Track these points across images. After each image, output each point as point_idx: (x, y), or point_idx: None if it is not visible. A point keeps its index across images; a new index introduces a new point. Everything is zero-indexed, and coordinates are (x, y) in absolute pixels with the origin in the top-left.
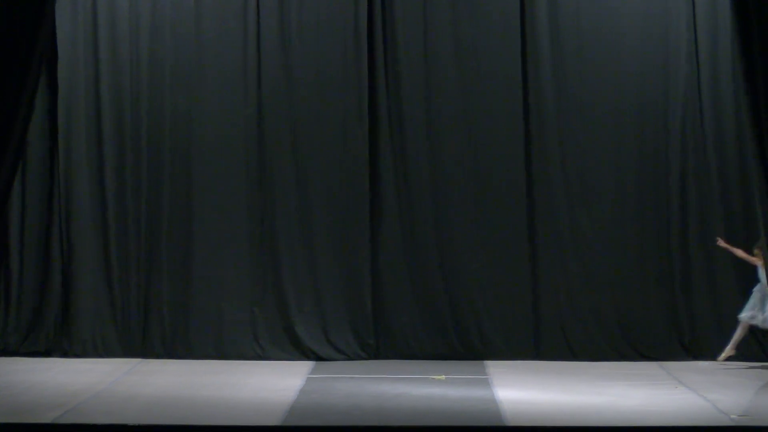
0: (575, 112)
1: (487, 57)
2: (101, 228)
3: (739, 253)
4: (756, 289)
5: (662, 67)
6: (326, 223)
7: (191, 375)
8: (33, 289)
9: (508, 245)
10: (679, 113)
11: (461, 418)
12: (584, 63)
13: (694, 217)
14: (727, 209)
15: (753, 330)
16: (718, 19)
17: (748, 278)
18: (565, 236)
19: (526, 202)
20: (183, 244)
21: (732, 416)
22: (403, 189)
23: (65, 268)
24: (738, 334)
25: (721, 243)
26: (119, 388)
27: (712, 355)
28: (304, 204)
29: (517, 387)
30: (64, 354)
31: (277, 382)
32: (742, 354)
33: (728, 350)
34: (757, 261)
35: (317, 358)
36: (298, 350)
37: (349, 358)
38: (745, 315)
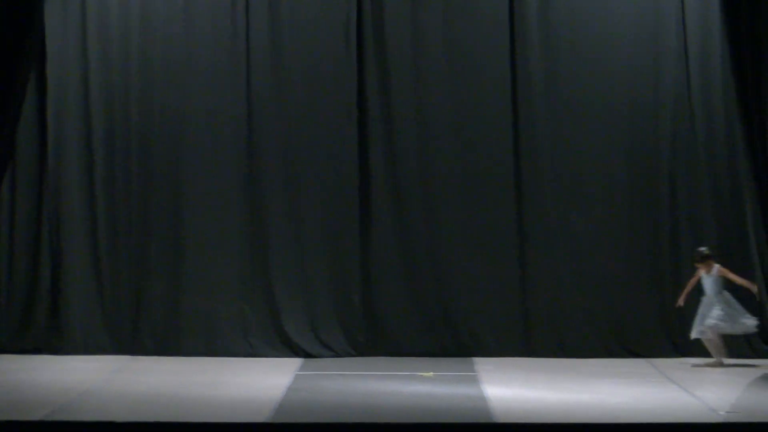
0: (565, 111)
1: (477, 55)
2: (91, 226)
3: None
4: (704, 303)
5: (652, 66)
6: (316, 220)
7: (181, 372)
8: (23, 287)
9: (498, 243)
10: (669, 112)
11: (450, 416)
12: (574, 62)
13: (684, 215)
14: (716, 207)
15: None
16: (709, 18)
17: (737, 273)
18: (555, 234)
19: (516, 200)
20: (173, 242)
21: (721, 413)
22: (393, 187)
23: (55, 266)
24: (715, 342)
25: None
26: (109, 385)
27: (701, 353)
28: (293, 202)
29: (505, 384)
30: (55, 352)
31: (266, 380)
32: (731, 351)
33: (716, 360)
34: (701, 272)
35: (306, 355)
36: (288, 347)
37: (338, 355)
38: (706, 327)
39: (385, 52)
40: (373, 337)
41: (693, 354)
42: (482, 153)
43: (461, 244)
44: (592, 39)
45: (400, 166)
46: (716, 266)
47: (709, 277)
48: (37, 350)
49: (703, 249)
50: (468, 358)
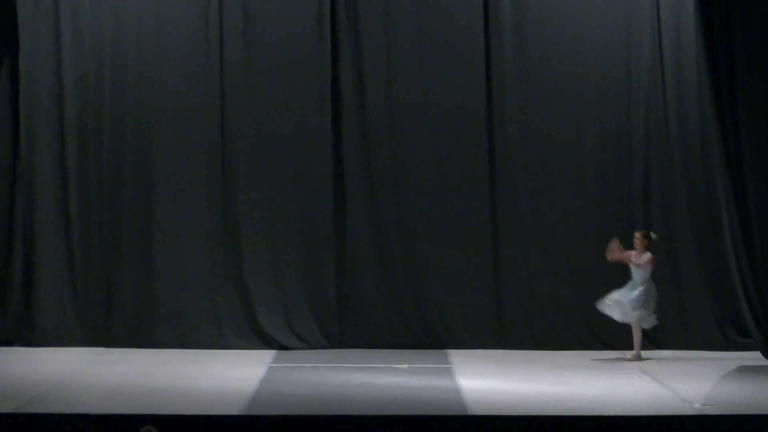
0: (537, 100)
1: (451, 47)
2: (63, 217)
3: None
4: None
5: (626, 56)
6: (289, 212)
7: (153, 364)
8: None
9: (470, 234)
10: (642, 101)
11: (423, 408)
12: (546, 52)
13: (657, 206)
14: (690, 198)
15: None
16: (681, 6)
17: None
18: (527, 225)
19: (488, 191)
20: (145, 233)
21: (695, 405)
22: (366, 178)
23: (27, 258)
24: (636, 335)
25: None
26: (81, 377)
27: (675, 345)
28: (266, 193)
29: (479, 376)
30: (26, 343)
31: (239, 372)
32: (705, 343)
33: (633, 356)
34: (633, 257)
35: (280, 347)
36: (261, 339)
37: (312, 347)
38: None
39: (359, 44)
40: (347, 329)
41: (666, 346)
42: (455, 145)
43: (434, 235)
44: (564, 29)
45: (373, 157)
46: (648, 254)
47: (639, 262)
48: (8, 342)
49: (652, 233)
50: (442, 350)
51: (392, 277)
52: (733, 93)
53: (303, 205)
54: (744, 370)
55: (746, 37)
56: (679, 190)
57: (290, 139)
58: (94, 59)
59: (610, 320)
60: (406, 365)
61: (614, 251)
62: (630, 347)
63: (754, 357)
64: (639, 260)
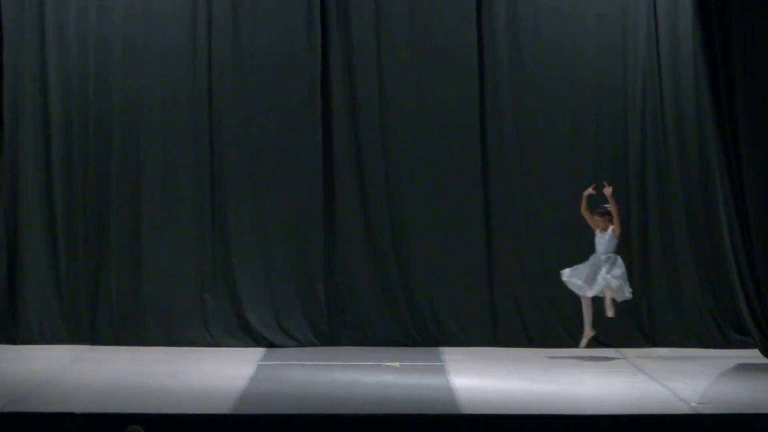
0: (532, 95)
1: (443, 40)
2: (48, 213)
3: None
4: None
5: (621, 50)
6: (278, 208)
7: (140, 362)
8: None
9: (463, 231)
10: (638, 97)
11: (416, 406)
12: (541, 46)
13: (654, 201)
14: (687, 195)
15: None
16: (678, 1)
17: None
18: (522, 222)
19: (482, 187)
20: (131, 229)
21: (691, 404)
22: (357, 174)
23: (11, 254)
24: (587, 312)
25: (607, 191)
26: (67, 375)
27: (671, 342)
28: (255, 189)
29: (472, 374)
30: (11, 341)
31: (228, 370)
32: (702, 341)
33: (587, 332)
34: (597, 225)
35: (269, 344)
36: (250, 337)
37: (302, 345)
38: (570, 280)
39: (349, 39)
40: (338, 327)
41: (663, 343)
42: (448, 141)
43: (427, 232)
44: (559, 24)
45: (364, 153)
46: (612, 227)
47: (603, 235)
48: None
49: (606, 206)
50: (434, 348)
51: (384, 274)
52: (730, 89)
53: (293, 201)
54: (742, 369)
55: (744, 31)
56: (675, 187)
57: (280, 134)
58: (80, 53)
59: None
60: (397, 363)
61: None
62: (625, 344)
63: (752, 355)
64: (607, 233)
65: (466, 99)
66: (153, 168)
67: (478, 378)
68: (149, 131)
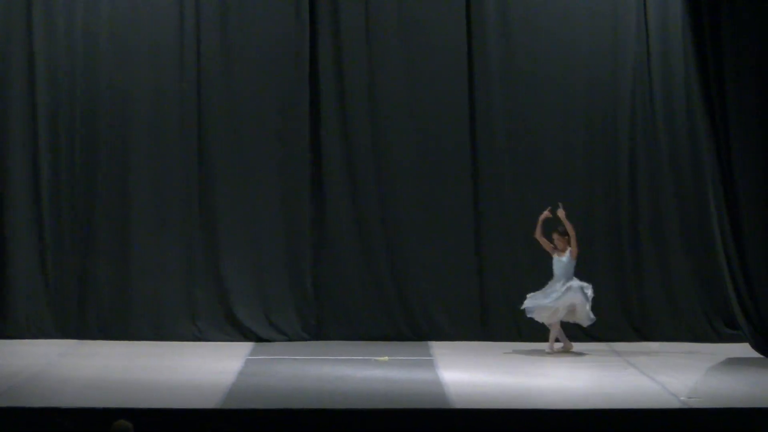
0: (522, 88)
1: (432, 31)
2: (35, 206)
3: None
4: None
5: (612, 41)
6: (267, 201)
7: (128, 357)
8: None
9: (454, 224)
10: (628, 90)
11: (405, 401)
12: (531, 38)
13: (644, 195)
14: (677, 187)
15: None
16: None
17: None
18: (512, 216)
19: (472, 181)
20: (119, 223)
21: (681, 398)
22: (346, 167)
23: None
24: (553, 331)
25: (561, 213)
26: (54, 370)
27: (662, 337)
28: (244, 181)
29: (462, 369)
30: None
31: (216, 364)
32: (693, 335)
33: (565, 346)
34: (556, 245)
35: (257, 339)
36: (238, 331)
37: (291, 339)
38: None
39: (338, 29)
40: (327, 321)
41: (654, 338)
42: (438, 134)
43: (416, 225)
44: (549, 14)
45: (353, 146)
46: (569, 249)
47: (561, 258)
48: None
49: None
50: (424, 342)
51: (373, 268)
52: (721, 83)
53: (282, 194)
54: (732, 363)
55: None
56: (666, 180)
57: (269, 128)
58: (67, 45)
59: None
60: (387, 358)
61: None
62: (616, 338)
63: (742, 349)
64: (565, 255)
65: (455, 93)
66: (141, 161)
67: (467, 372)
68: (137, 124)
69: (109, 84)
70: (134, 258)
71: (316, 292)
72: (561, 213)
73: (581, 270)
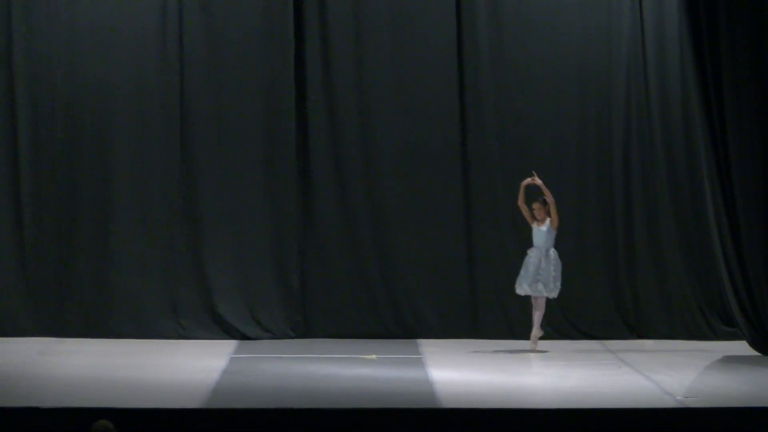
0: (513, 78)
1: (422, 20)
2: (13, 200)
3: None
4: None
5: (605, 28)
6: (252, 195)
7: (109, 355)
8: None
9: (443, 219)
10: (622, 77)
11: (393, 400)
12: (522, 26)
13: (638, 186)
14: (672, 179)
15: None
16: None
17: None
18: (503, 209)
19: (462, 173)
20: (100, 216)
21: (677, 397)
22: (334, 160)
23: None
24: (540, 311)
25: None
26: (33, 368)
27: (657, 334)
28: (228, 175)
29: (452, 367)
30: None
31: (200, 363)
32: (688, 333)
33: (535, 332)
34: (536, 215)
35: (242, 336)
36: (222, 329)
37: (276, 337)
38: (518, 288)
39: (326, 18)
40: (313, 318)
41: (649, 335)
42: (427, 125)
43: (405, 220)
44: (541, 3)
45: (340, 139)
46: (549, 219)
47: (541, 227)
48: None
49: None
50: (412, 340)
51: (360, 264)
52: (716, 63)
53: (267, 188)
54: (729, 361)
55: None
56: (661, 170)
57: (254, 120)
58: (46, 33)
59: (588, 309)
60: (374, 356)
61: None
62: (610, 335)
63: (740, 347)
64: (545, 225)
65: (445, 82)
66: (122, 153)
67: (457, 371)
68: (119, 116)
69: (90, 75)
70: (115, 253)
71: (303, 289)
72: (537, 181)
73: (573, 263)
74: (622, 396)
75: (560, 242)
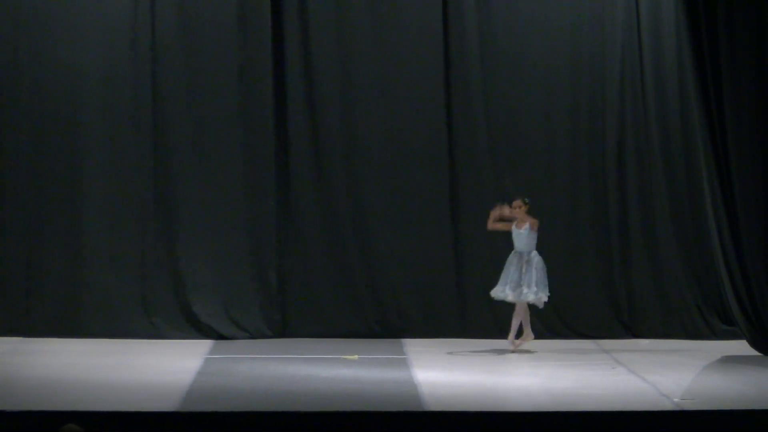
0: (502, 68)
1: (406, 9)
2: None
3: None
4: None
5: (598, 15)
6: (228, 189)
7: (79, 355)
8: None
9: (429, 214)
10: (617, 67)
11: (376, 403)
12: (512, 13)
13: (633, 182)
14: (668, 173)
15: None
16: None
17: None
18: (492, 204)
19: (449, 167)
20: (69, 211)
21: (674, 399)
22: (314, 153)
23: None
24: (519, 317)
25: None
26: None
27: (653, 333)
28: (203, 168)
29: (438, 368)
30: None
31: (173, 364)
32: (686, 332)
33: (525, 336)
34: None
35: (217, 336)
36: (196, 328)
37: (253, 337)
38: (495, 292)
39: (305, 2)
40: (292, 317)
41: (644, 334)
42: (411, 116)
43: (389, 215)
44: None
45: (321, 131)
46: (530, 221)
47: (520, 230)
48: None
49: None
50: (397, 340)
51: (342, 260)
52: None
53: (243, 181)
54: (728, 361)
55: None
56: (656, 164)
57: (230, 109)
58: (12, 18)
59: (582, 307)
60: (356, 356)
61: (499, 214)
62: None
63: (739, 346)
64: (524, 227)
65: (431, 72)
66: (93, 144)
67: (443, 372)
68: (88, 104)
69: (56, 61)
70: (85, 249)
71: (281, 286)
72: (505, 211)
73: (565, 260)
74: (617, 398)
75: (553, 238)
